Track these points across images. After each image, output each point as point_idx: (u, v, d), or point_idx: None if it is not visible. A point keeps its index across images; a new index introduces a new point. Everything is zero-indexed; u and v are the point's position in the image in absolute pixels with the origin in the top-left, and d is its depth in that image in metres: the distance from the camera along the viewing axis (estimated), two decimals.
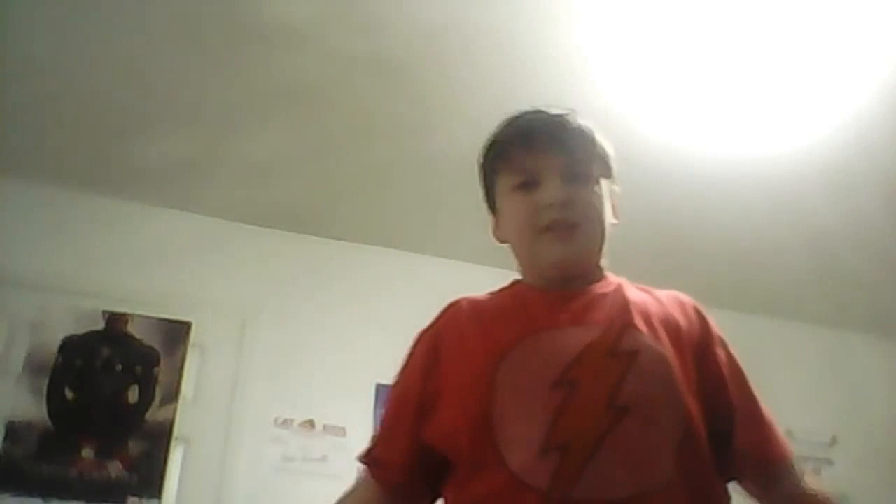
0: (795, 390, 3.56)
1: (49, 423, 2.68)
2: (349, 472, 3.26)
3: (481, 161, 1.23)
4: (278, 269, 3.14)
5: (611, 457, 0.93)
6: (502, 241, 1.19)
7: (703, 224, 3.00)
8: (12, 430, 2.64)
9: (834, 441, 3.56)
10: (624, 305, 1.08)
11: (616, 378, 0.98)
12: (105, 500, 2.64)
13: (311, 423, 2.95)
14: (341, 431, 2.97)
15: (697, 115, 2.45)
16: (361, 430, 2.98)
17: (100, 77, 2.40)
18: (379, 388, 3.04)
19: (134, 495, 2.67)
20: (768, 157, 2.61)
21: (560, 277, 1.12)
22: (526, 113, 1.19)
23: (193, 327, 2.93)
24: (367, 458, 1.16)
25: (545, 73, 2.29)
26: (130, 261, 2.94)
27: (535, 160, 1.12)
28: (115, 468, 2.69)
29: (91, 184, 2.92)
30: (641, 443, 0.95)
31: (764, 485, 1.08)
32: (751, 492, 1.09)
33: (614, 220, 1.16)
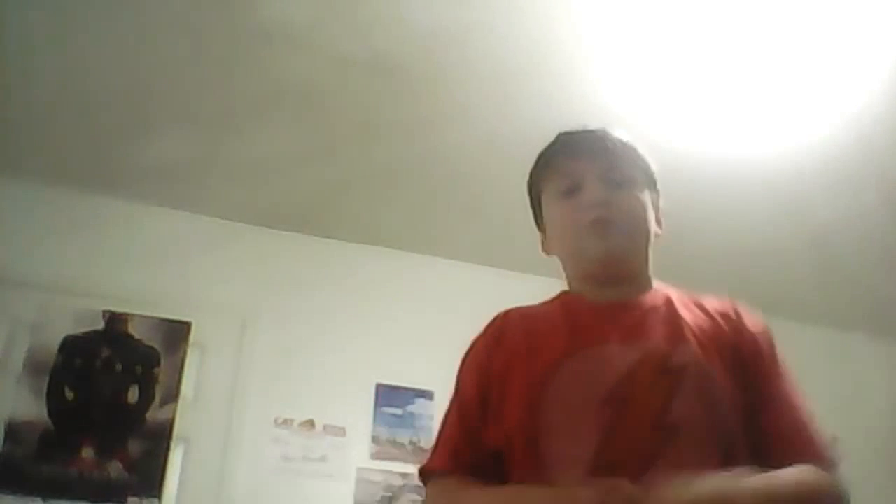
0: None
1: (49, 423, 2.68)
2: (349, 472, 3.27)
3: (529, 178, 1.24)
4: (278, 269, 3.14)
5: (660, 477, 0.92)
6: (550, 254, 1.21)
7: (704, 224, 3.00)
8: (12, 430, 2.64)
9: (834, 441, 3.55)
10: (676, 322, 1.08)
11: (665, 396, 0.99)
12: (105, 500, 2.64)
13: (311, 423, 2.95)
14: (341, 431, 2.97)
15: (698, 115, 2.44)
16: (361, 430, 2.98)
17: (100, 77, 2.40)
18: (379, 387, 3.04)
19: (134, 495, 2.67)
20: (768, 157, 2.61)
21: (604, 276, 1.12)
22: (569, 129, 1.21)
23: (193, 327, 2.93)
24: (449, 465, 1.11)
25: (544, 74, 2.29)
26: (130, 261, 2.94)
27: (577, 165, 1.14)
28: (115, 468, 2.69)
29: (91, 184, 2.92)
30: (689, 463, 0.94)
31: None
32: None
33: (658, 230, 1.17)
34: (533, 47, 2.22)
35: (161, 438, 2.76)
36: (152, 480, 2.70)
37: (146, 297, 2.92)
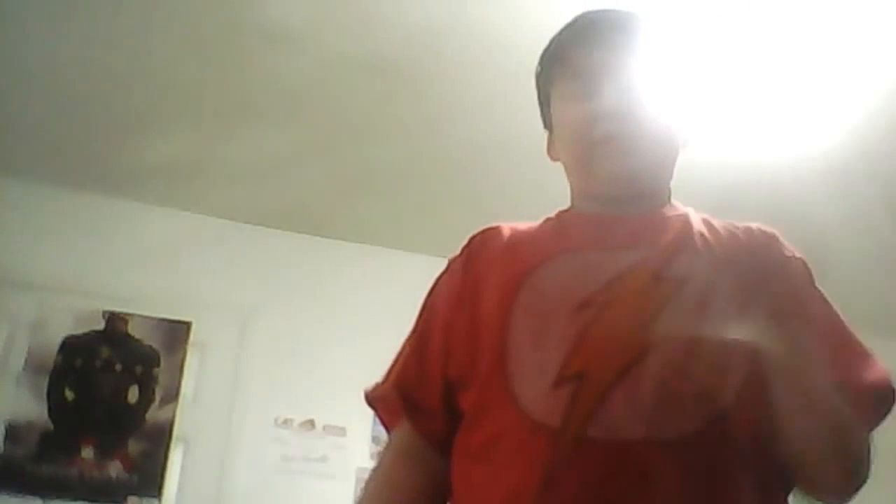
0: None
1: (49, 423, 2.68)
2: (349, 472, 3.27)
3: (537, 69, 1.06)
4: (278, 269, 3.14)
5: (634, 391, 0.78)
6: (555, 160, 1.04)
7: None
8: (12, 430, 2.64)
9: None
10: (685, 230, 0.92)
11: (656, 303, 0.83)
12: (105, 500, 2.65)
13: (311, 423, 2.95)
14: (341, 431, 2.97)
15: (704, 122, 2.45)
16: (361, 430, 2.98)
17: (99, 77, 2.40)
18: None
19: (134, 495, 2.67)
20: (769, 159, 2.62)
21: (619, 195, 0.95)
22: (588, 12, 1.02)
23: (193, 327, 2.93)
24: (407, 404, 0.97)
25: None
26: (130, 261, 2.94)
27: (594, 62, 0.96)
28: (115, 468, 2.69)
29: (91, 184, 2.92)
30: (672, 381, 0.79)
31: None
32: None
33: (686, 144, 1.00)
34: (533, 48, 2.21)
35: (161, 438, 2.76)
36: (152, 480, 2.70)
37: (146, 297, 2.92)
